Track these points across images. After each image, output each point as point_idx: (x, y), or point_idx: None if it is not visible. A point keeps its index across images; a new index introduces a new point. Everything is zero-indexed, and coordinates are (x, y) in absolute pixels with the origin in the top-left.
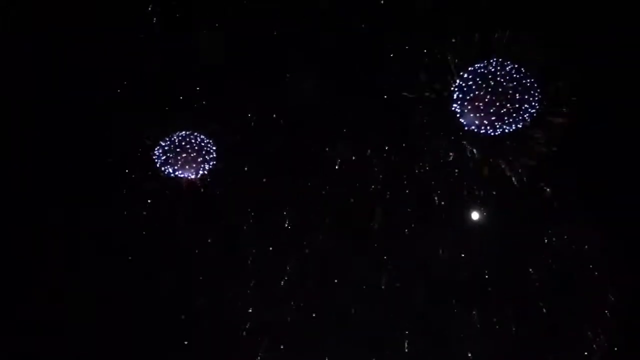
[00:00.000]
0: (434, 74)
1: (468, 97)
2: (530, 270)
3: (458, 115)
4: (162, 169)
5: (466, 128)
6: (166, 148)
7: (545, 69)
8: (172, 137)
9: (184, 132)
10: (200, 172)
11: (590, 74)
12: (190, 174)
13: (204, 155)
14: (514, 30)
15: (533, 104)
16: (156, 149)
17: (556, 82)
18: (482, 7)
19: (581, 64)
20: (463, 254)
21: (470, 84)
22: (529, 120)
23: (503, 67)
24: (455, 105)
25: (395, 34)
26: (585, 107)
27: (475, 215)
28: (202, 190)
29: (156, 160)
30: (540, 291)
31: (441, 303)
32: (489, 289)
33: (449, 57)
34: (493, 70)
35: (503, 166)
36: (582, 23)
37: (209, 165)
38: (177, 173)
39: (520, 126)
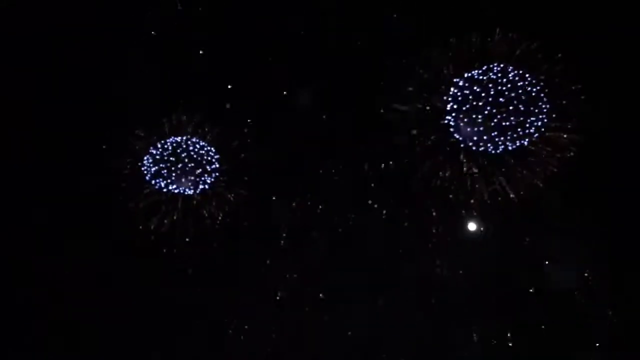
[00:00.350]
0: (426, 81)
1: (464, 109)
2: (529, 285)
3: (452, 130)
4: (153, 182)
5: (462, 145)
6: (158, 157)
7: (554, 76)
8: (166, 143)
9: (179, 138)
10: (200, 186)
11: (604, 81)
12: (187, 189)
13: (205, 165)
14: (517, 32)
15: (540, 116)
16: (145, 158)
17: (565, 91)
18: (482, 5)
19: (594, 69)
20: (460, 270)
21: (467, 93)
22: (535, 135)
23: (505, 73)
24: (449, 117)
25: (380, 33)
26: (598, 119)
27: (472, 227)
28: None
29: (145, 172)
30: (539, 306)
31: (439, 320)
32: (487, 303)
33: (442, 61)
34: (493, 77)
35: (503, 184)
36: (594, 25)
37: (211, 178)
38: (171, 187)
39: (525, 142)
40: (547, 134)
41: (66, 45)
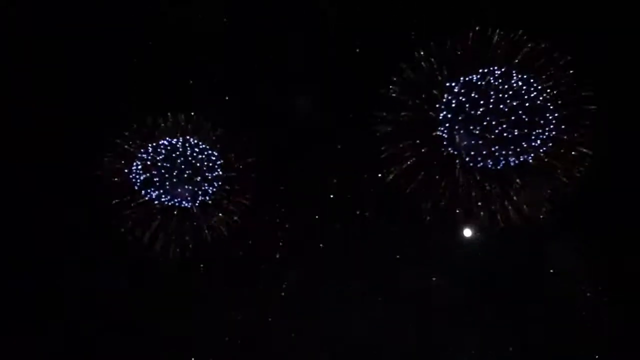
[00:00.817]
0: (416, 86)
1: (460, 118)
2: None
3: (446, 143)
4: (142, 192)
5: (457, 161)
6: (149, 162)
7: (563, 82)
8: (159, 146)
9: (174, 139)
10: (199, 198)
11: (620, 87)
12: (183, 200)
13: (204, 173)
14: (521, 30)
15: (546, 128)
16: (134, 164)
17: (576, 99)
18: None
19: (609, 73)
20: (457, 275)
21: (464, 101)
22: (541, 149)
23: (507, 77)
24: (442, 128)
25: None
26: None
27: (467, 233)
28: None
29: (134, 180)
30: (537, 312)
31: (436, 327)
32: (484, 309)
33: (435, 63)
34: (494, 82)
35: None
36: (610, 24)
37: (213, 188)
38: (163, 199)
39: (529, 158)
40: (554, 147)
41: (55, 40)
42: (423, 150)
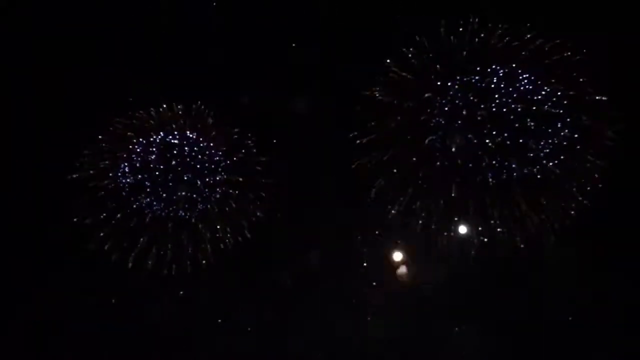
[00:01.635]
0: (405, 85)
1: (456, 125)
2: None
3: (438, 153)
4: (132, 199)
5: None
6: (138, 164)
7: (575, 84)
8: (151, 144)
9: (170, 135)
10: (199, 206)
11: None
12: (180, 209)
13: (206, 175)
14: (528, 24)
15: (556, 136)
16: (121, 165)
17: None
18: None
19: (629, 75)
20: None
21: (460, 104)
22: (551, 163)
23: (511, 78)
24: (434, 137)
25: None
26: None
27: (462, 229)
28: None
29: (121, 184)
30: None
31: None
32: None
33: (427, 60)
34: (496, 82)
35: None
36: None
37: (216, 194)
38: (156, 207)
39: (534, 169)
40: (565, 158)
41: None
42: (413, 160)
